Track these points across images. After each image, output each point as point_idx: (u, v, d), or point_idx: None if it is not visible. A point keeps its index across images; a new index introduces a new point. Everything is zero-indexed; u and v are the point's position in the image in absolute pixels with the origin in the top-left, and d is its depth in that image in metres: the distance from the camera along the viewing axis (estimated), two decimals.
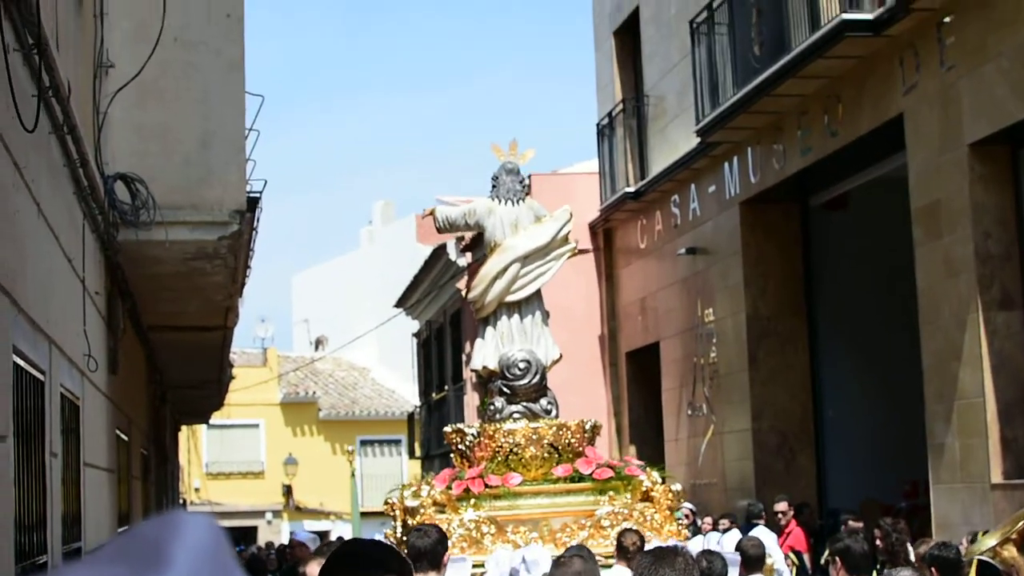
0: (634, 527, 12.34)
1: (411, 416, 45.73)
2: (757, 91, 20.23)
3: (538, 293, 14.63)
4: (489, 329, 14.54)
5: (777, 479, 22.18)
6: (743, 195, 22.82)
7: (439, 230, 15.34)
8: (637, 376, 29.22)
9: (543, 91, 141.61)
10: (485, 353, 14.45)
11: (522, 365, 14.11)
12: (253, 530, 50.80)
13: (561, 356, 15.10)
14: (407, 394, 53.53)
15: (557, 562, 6.70)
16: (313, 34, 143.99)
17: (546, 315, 14.83)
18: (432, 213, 14.92)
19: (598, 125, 29.70)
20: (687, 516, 21.99)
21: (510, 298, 14.40)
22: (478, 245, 26.01)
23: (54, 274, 9.37)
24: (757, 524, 18.94)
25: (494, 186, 14.71)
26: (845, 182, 21.23)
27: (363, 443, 54.43)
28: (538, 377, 14.18)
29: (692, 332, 25.15)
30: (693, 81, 23.31)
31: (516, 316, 14.49)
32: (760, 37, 20.20)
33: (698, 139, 23.39)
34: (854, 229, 22.49)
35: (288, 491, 53.19)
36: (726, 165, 23.38)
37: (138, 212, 12.39)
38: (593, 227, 30.00)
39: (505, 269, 14.28)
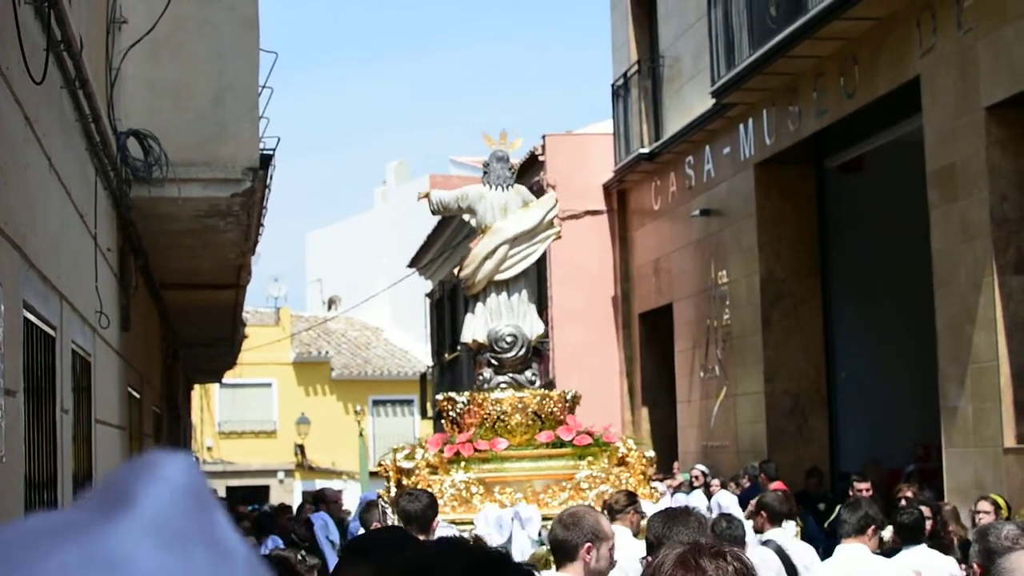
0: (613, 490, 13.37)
1: (423, 376, 45.74)
2: (773, 52, 20.13)
3: (525, 272, 15.63)
4: (479, 305, 15.52)
5: (789, 442, 22.17)
6: (758, 157, 22.74)
7: (433, 212, 16.29)
8: (650, 337, 29.19)
9: (558, 51, 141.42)
10: (475, 327, 15.41)
11: (509, 339, 15.08)
12: (265, 489, 50.89)
13: (545, 331, 16.56)
14: (420, 354, 53.53)
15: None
16: None
17: (532, 293, 15.96)
18: (427, 196, 15.81)
19: (613, 86, 29.60)
20: (696, 478, 22.03)
21: (499, 277, 15.35)
22: None
23: (66, 229, 9.34)
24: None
25: (485, 172, 15.64)
26: (861, 144, 21.14)
27: (375, 403, 54.47)
28: (524, 350, 15.20)
29: (705, 294, 25.10)
30: (709, 42, 23.20)
31: (504, 294, 15.45)
32: None
33: (713, 100, 23.30)
34: (869, 191, 22.41)
35: (300, 450, 53.26)
36: (741, 127, 23.30)
37: (151, 169, 12.36)
38: (607, 188, 29.92)
39: (494, 250, 15.23)
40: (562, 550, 6.60)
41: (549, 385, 27.69)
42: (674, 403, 27.24)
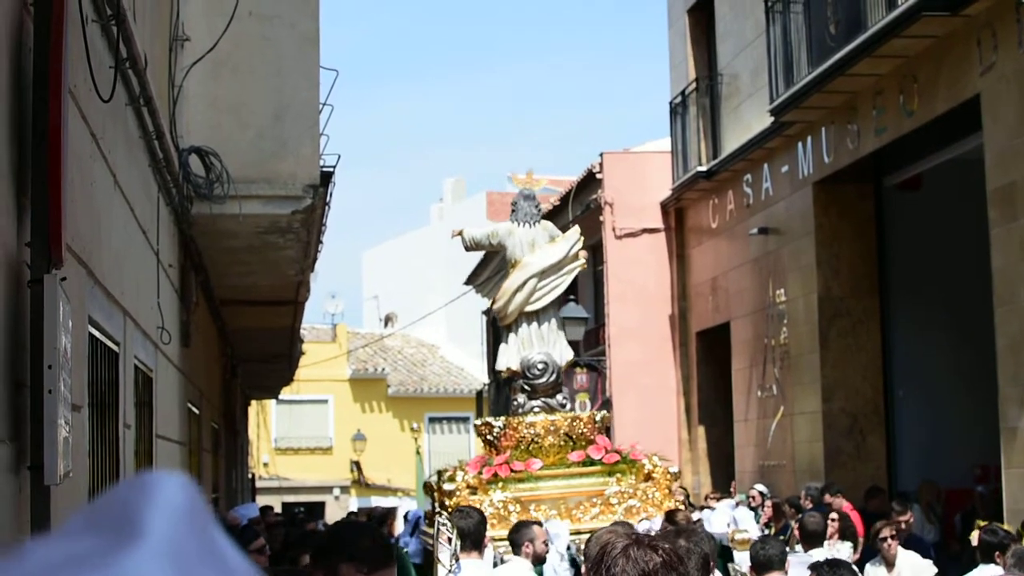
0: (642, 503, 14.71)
1: (479, 394, 45.75)
2: (832, 70, 20.07)
3: (554, 302, 16.55)
4: (512, 335, 16.46)
5: (847, 461, 22.06)
6: (816, 175, 22.66)
7: (466, 248, 17.26)
8: (707, 356, 29.13)
9: (616, 69, 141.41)
10: (509, 356, 16.34)
11: (540, 366, 16.00)
12: (321, 505, 50.98)
13: (575, 357, 17.66)
14: (476, 372, 53.56)
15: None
16: (390, 12, 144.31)
17: (561, 322, 16.91)
18: (460, 234, 16.82)
19: (671, 103, 29.58)
20: (753, 498, 21.96)
21: (529, 308, 16.34)
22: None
23: (129, 246, 9.41)
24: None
25: (513, 211, 16.74)
26: (920, 163, 21.05)
27: (431, 420, 54.51)
28: (555, 376, 16.12)
29: (763, 312, 25.03)
30: (768, 60, 23.17)
31: (535, 324, 16.37)
32: (836, 16, 20.05)
33: (772, 118, 23.24)
34: (929, 210, 22.31)
35: (356, 467, 53.33)
36: (800, 145, 23.22)
37: (212, 185, 12.44)
38: (665, 206, 29.90)
39: (524, 283, 16.29)
40: None
41: (606, 403, 27.77)
42: (731, 422, 27.15)
